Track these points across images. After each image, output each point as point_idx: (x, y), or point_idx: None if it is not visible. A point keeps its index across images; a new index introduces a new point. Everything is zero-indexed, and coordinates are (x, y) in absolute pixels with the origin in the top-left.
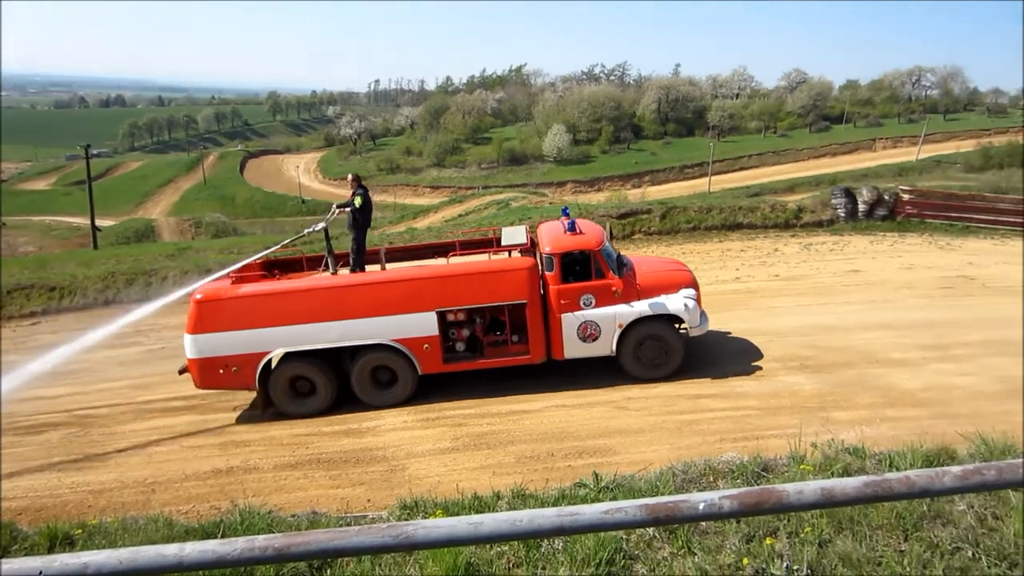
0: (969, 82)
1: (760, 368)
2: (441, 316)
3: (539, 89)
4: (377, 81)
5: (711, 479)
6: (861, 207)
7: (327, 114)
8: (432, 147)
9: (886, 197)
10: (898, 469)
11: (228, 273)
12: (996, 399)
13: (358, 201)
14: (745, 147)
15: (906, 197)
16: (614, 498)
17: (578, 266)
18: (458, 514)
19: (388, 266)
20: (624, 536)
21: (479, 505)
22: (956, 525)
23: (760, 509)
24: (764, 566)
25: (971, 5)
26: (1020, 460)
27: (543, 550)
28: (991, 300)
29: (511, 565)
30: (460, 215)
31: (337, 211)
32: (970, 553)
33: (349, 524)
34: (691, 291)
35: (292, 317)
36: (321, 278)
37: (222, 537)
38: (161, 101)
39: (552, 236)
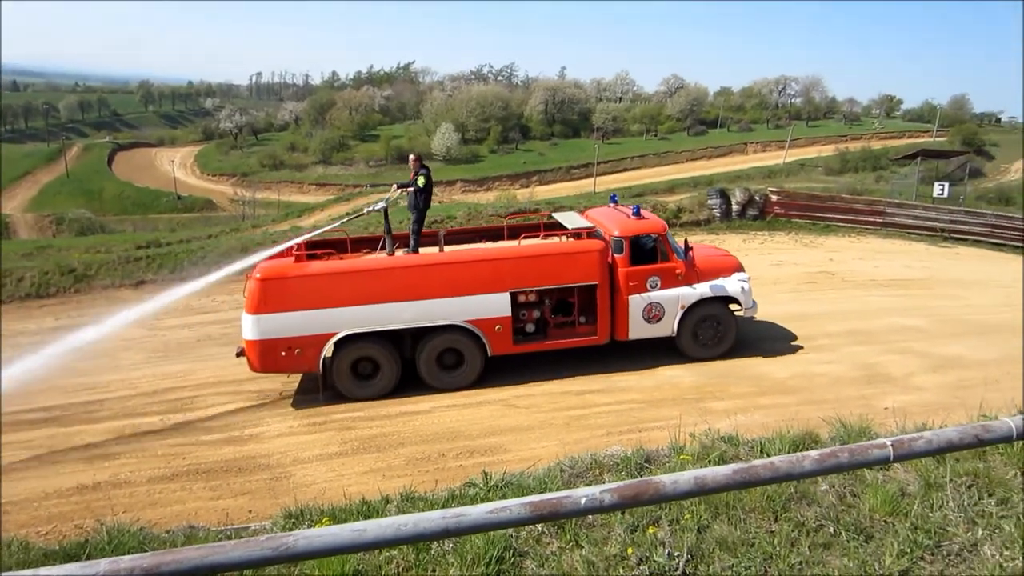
0: (828, 92)
1: (643, 363)
2: (513, 297)
3: (427, 87)
4: (259, 74)
5: (597, 473)
6: (735, 207)
7: (205, 106)
8: (318, 143)
9: (757, 198)
10: (768, 455)
11: (277, 253)
12: (855, 385)
13: (421, 181)
14: (628, 149)
15: (774, 198)
16: (503, 496)
17: (646, 249)
18: (345, 521)
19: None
20: (513, 534)
21: (367, 510)
22: (819, 504)
23: (639, 500)
24: (648, 554)
25: (831, 23)
26: (869, 443)
27: (433, 552)
28: (850, 293)
29: (401, 569)
30: (347, 213)
31: (399, 191)
32: (832, 529)
33: (229, 537)
34: (745, 275)
35: (362, 297)
36: (394, 258)
37: (86, 559)
38: (16, 86)
39: (620, 220)
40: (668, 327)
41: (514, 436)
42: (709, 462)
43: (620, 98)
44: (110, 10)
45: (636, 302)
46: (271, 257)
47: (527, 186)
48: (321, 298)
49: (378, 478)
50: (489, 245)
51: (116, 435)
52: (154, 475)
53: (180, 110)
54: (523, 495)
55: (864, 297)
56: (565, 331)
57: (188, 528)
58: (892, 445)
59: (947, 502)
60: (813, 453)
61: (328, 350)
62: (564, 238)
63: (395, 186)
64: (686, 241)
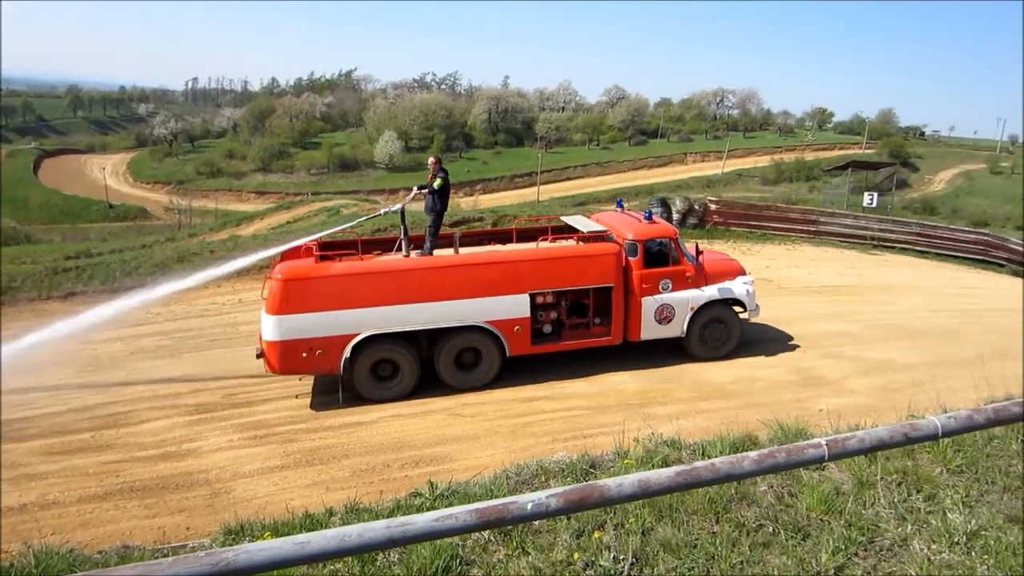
0: (763, 104)
1: (589, 369)
2: (532, 298)
3: (370, 95)
4: (195, 79)
5: (543, 479)
6: (675, 216)
7: (138, 112)
8: (257, 151)
9: (696, 207)
10: (709, 457)
11: (289, 253)
12: (792, 388)
13: (438, 183)
14: (571, 158)
15: (713, 207)
16: (449, 505)
17: (658, 253)
18: (287, 535)
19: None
20: (460, 542)
21: (310, 523)
22: (759, 504)
23: (585, 504)
24: (594, 558)
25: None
26: (805, 443)
27: (378, 564)
28: (786, 299)
29: None
30: (288, 222)
31: (417, 192)
32: (771, 529)
33: (166, 555)
34: (749, 278)
35: (384, 298)
36: (417, 259)
37: None
38: None
39: (633, 224)
40: (678, 328)
41: (460, 445)
42: (652, 465)
43: (563, 108)
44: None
45: (649, 304)
46: (282, 258)
47: (471, 194)
48: (343, 299)
49: (321, 491)
50: (507, 247)
51: (44, 453)
52: (85, 494)
53: (112, 116)
54: (469, 503)
55: (799, 303)
56: (580, 332)
57: (122, 548)
58: (827, 445)
59: (879, 499)
60: (752, 454)
61: (347, 351)
62: (577, 241)
63: (415, 188)
64: (696, 245)
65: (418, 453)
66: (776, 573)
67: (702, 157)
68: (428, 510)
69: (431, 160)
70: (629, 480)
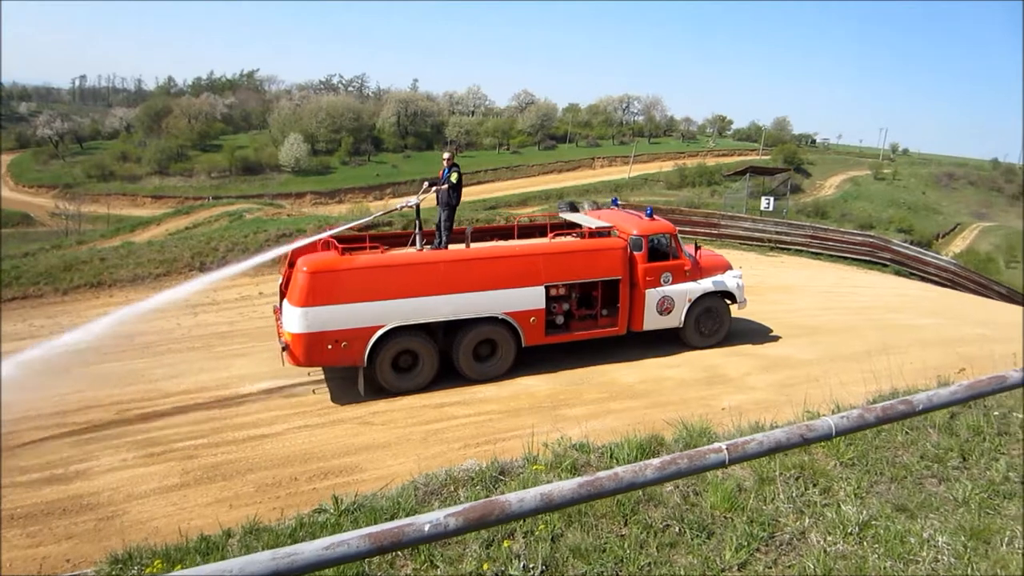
0: (667, 110)
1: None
2: (546, 290)
3: (274, 96)
4: (83, 77)
5: (452, 488)
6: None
7: (19, 111)
8: (153, 153)
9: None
10: (617, 460)
11: (306, 247)
12: (697, 386)
13: (454, 177)
14: (481, 162)
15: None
16: (355, 521)
17: (660, 247)
18: (182, 561)
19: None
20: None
21: (206, 547)
22: (666, 505)
23: (486, 522)
24: (504, 568)
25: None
26: (706, 447)
27: None
28: None
29: None
30: (187, 227)
31: (433, 188)
32: (677, 529)
33: None
34: (739, 272)
35: (407, 290)
36: (439, 252)
37: None
38: None
39: (636, 221)
40: (676, 319)
41: (370, 454)
42: (562, 470)
43: (472, 112)
44: None
45: (652, 296)
46: (300, 251)
47: (380, 198)
48: (369, 291)
49: (224, 509)
50: (518, 242)
51: None
52: None
53: None
54: (375, 518)
55: None
56: (588, 323)
57: None
58: (727, 449)
59: (778, 494)
60: (655, 461)
61: (371, 343)
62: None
63: (425, 183)
64: (696, 243)
65: (326, 464)
66: (683, 573)
67: (609, 162)
68: (333, 526)
69: (445, 155)
70: (531, 495)
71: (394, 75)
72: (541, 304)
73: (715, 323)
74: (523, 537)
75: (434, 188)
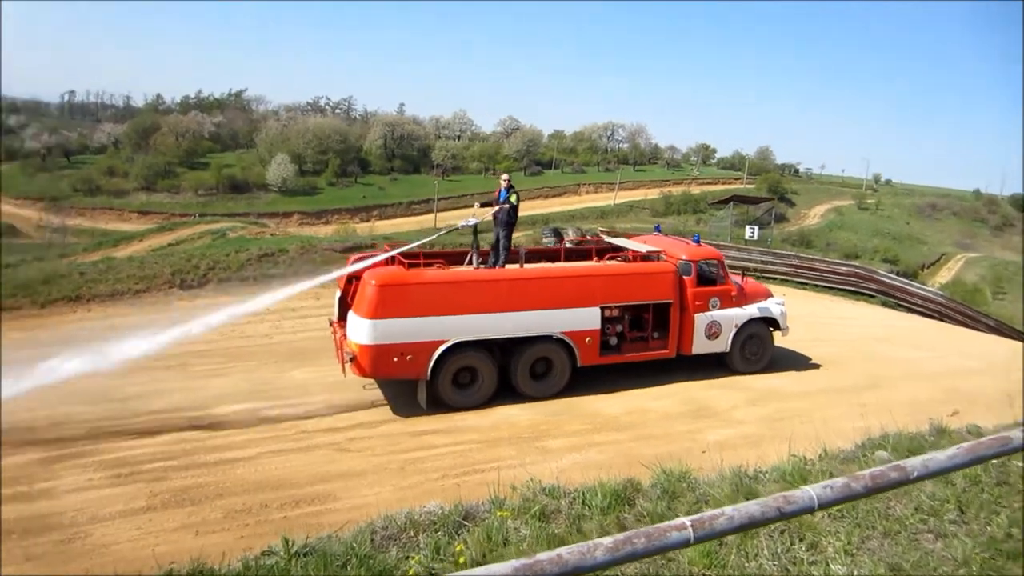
0: (651, 138)
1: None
2: (601, 311)
3: (261, 116)
4: (72, 92)
5: (411, 533)
6: (568, 246)
7: (8, 123)
8: (140, 169)
9: (588, 237)
10: (590, 508)
11: (375, 263)
12: (683, 420)
13: (514, 198)
14: (468, 186)
15: (601, 237)
16: (304, 566)
17: (708, 273)
18: None
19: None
20: None
21: None
22: (639, 561)
23: None
24: None
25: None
26: (668, 524)
27: None
28: None
29: None
30: (170, 244)
31: (480, 209)
32: None
33: None
34: (782, 299)
35: (470, 306)
36: (502, 270)
37: None
38: None
39: (684, 246)
40: (723, 343)
41: (345, 482)
42: (529, 516)
43: (459, 136)
44: None
45: (700, 320)
46: (367, 268)
47: (367, 220)
48: (434, 306)
49: (190, 535)
50: (574, 264)
51: None
52: None
53: None
54: (326, 563)
55: None
56: (639, 345)
57: None
58: (692, 525)
59: (762, 550)
60: (607, 541)
61: (434, 357)
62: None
63: (477, 204)
64: (743, 272)
65: (299, 492)
66: None
67: (595, 188)
68: (283, 570)
69: (504, 177)
70: None
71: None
72: (597, 325)
73: (760, 349)
74: None
75: (494, 209)
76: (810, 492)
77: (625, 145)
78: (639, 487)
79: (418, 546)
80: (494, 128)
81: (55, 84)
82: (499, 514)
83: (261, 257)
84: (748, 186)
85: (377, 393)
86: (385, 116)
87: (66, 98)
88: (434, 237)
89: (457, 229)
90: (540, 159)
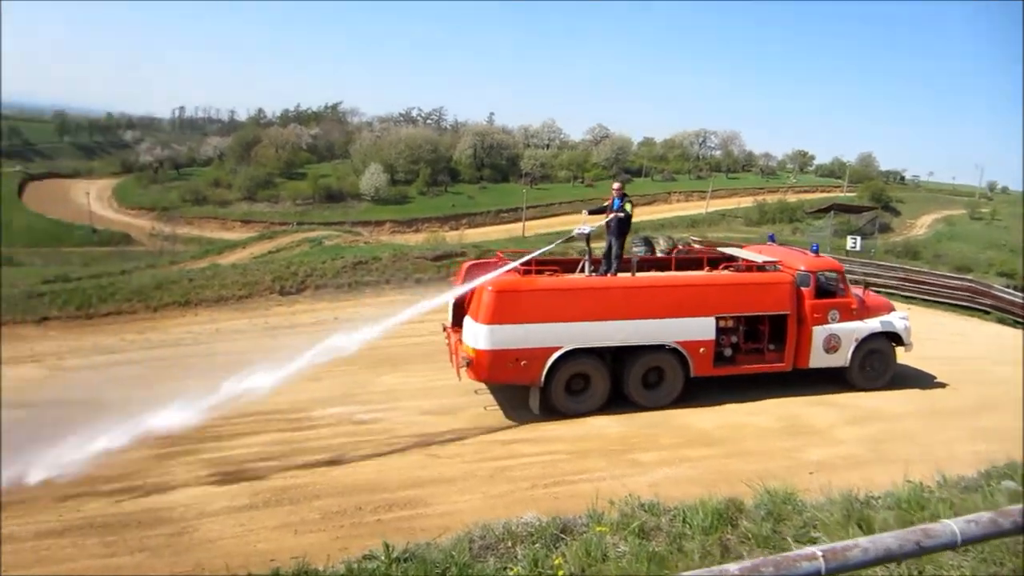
0: (745, 145)
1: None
2: (716, 321)
3: (356, 128)
4: (182, 108)
5: (509, 544)
6: (659, 255)
7: (125, 138)
8: (243, 180)
9: (680, 246)
10: (690, 526)
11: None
12: (779, 437)
13: (629, 207)
14: (556, 195)
15: (697, 247)
16: (405, 571)
17: (827, 285)
18: None
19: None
20: None
21: None
22: None
23: None
24: None
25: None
26: (798, 552)
27: None
28: None
29: None
30: (270, 251)
31: (591, 216)
32: None
33: None
34: (904, 313)
35: (584, 314)
36: (615, 278)
37: None
38: None
39: (802, 257)
40: (843, 358)
41: (436, 488)
42: (628, 533)
43: (547, 145)
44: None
45: (819, 333)
46: (477, 272)
47: (456, 228)
48: (549, 313)
49: (289, 533)
50: (688, 273)
51: None
52: (42, 529)
53: (98, 141)
54: (427, 570)
55: None
56: (754, 357)
57: None
58: (823, 556)
59: None
60: (733, 568)
61: (548, 364)
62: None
63: (585, 212)
64: (865, 284)
65: (392, 496)
66: None
67: (686, 197)
68: (384, 574)
69: (616, 185)
70: None
71: (471, 109)
72: (711, 335)
73: (882, 365)
74: None
75: (607, 217)
76: (952, 527)
77: (718, 152)
78: (741, 507)
79: (516, 557)
80: (583, 136)
81: (167, 100)
82: (597, 529)
83: (356, 265)
84: (849, 194)
85: (467, 400)
86: (475, 126)
87: (177, 113)
88: (552, 246)
89: (572, 237)
90: (629, 167)
